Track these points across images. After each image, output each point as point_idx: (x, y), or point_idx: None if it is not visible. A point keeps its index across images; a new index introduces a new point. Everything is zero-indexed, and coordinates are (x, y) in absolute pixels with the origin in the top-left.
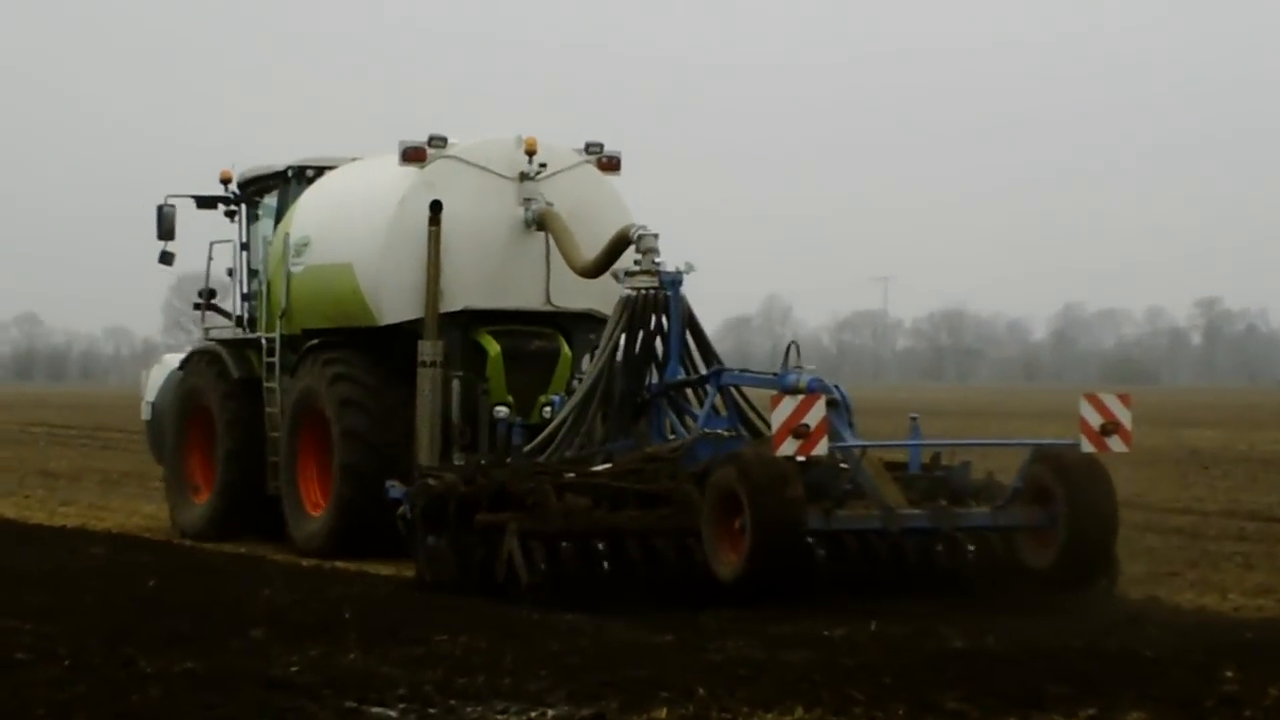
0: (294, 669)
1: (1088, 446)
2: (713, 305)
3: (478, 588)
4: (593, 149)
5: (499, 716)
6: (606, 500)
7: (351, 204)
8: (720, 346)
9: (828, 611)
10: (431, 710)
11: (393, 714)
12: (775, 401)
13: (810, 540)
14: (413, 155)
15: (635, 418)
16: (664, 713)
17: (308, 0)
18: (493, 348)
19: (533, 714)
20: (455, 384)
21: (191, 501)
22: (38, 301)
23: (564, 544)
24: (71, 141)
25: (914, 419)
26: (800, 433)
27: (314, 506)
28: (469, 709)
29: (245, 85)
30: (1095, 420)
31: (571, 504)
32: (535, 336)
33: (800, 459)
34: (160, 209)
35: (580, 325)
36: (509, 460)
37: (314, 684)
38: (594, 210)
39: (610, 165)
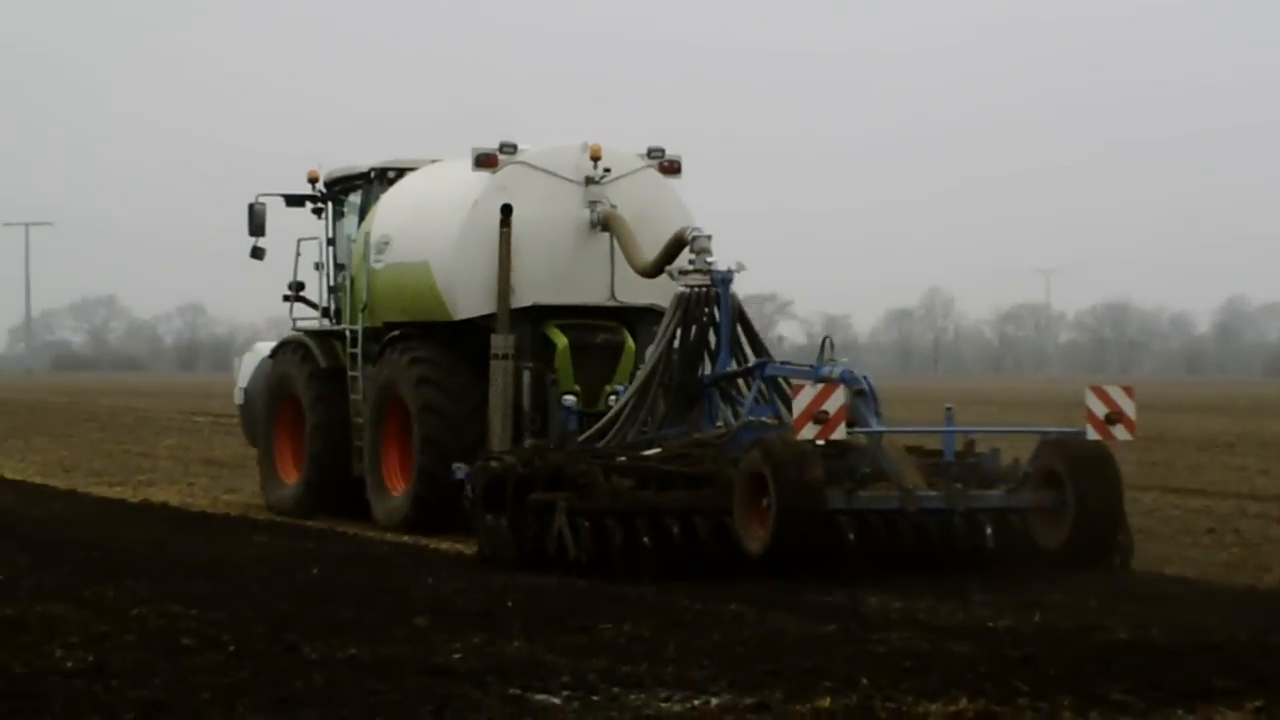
0: (457, 656)
1: (1093, 434)
2: (872, 298)
3: (531, 561)
4: (654, 154)
5: (662, 704)
6: (655, 482)
7: (428, 206)
8: (880, 339)
9: (992, 603)
10: (595, 698)
11: (556, 701)
12: (797, 390)
13: (841, 518)
14: (485, 161)
15: (689, 406)
16: (828, 703)
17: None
18: (561, 340)
19: (696, 702)
20: (526, 375)
21: (282, 482)
22: (202, 291)
23: (608, 521)
24: (232, 141)
25: (948, 409)
26: (820, 419)
27: (395, 487)
28: (632, 697)
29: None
30: (1100, 410)
31: (617, 485)
32: (601, 330)
33: (820, 442)
34: (251, 207)
35: (643, 319)
36: (565, 445)
37: (478, 671)
38: (655, 212)
39: (671, 169)
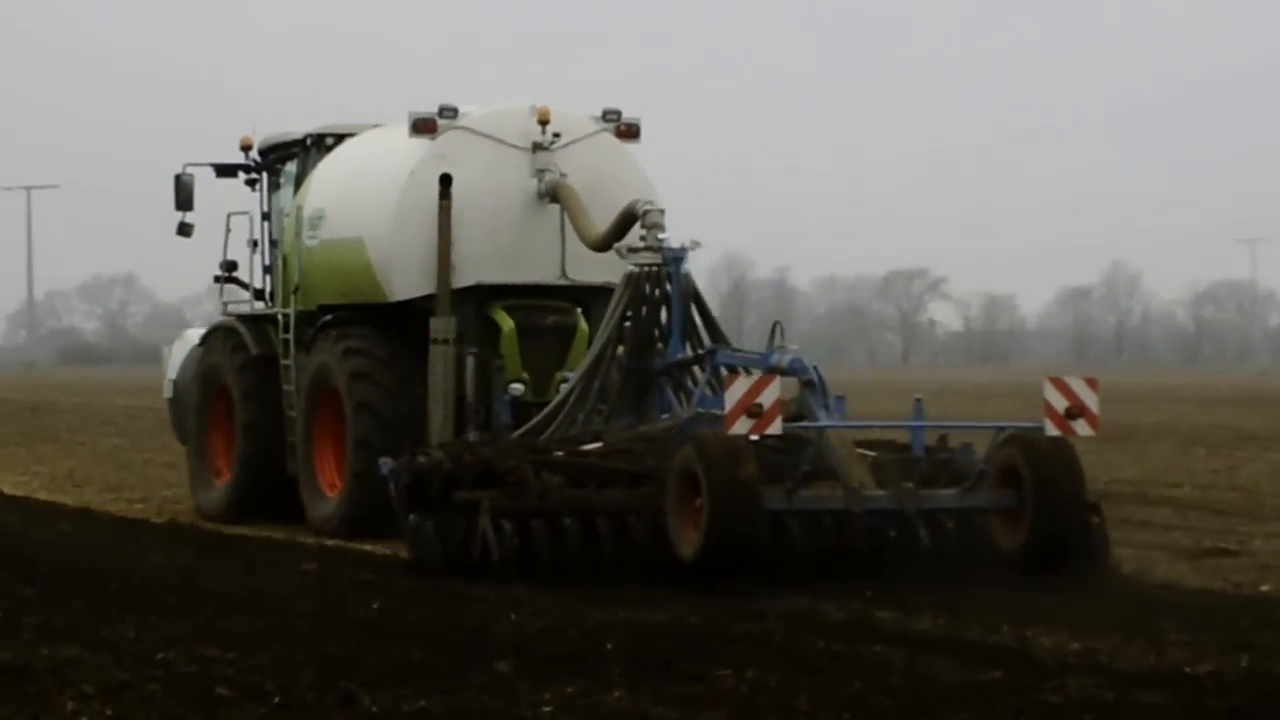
0: (547, 710)
1: (1052, 429)
2: (1043, 275)
3: (457, 566)
4: (610, 116)
5: None
6: (593, 480)
7: (363, 176)
8: (1052, 324)
9: (1190, 643)
10: None
11: None
12: (729, 382)
13: (784, 518)
14: (423, 127)
15: (639, 397)
16: None
17: None
18: (506, 323)
19: None
20: (469, 361)
21: (211, 483)
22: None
23: (535, 522)
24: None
25: (918, 399)
26: (754, 412)
27: (330, 487)
28: None
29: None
30: (1060, 404)
31: (547, 482)
32: (551, 311)
33: (754, 438)
34: (178, 178)
35: (598, 299)
36: (499, 438)
37: None
38: (612, 181)
39: (629, 133)
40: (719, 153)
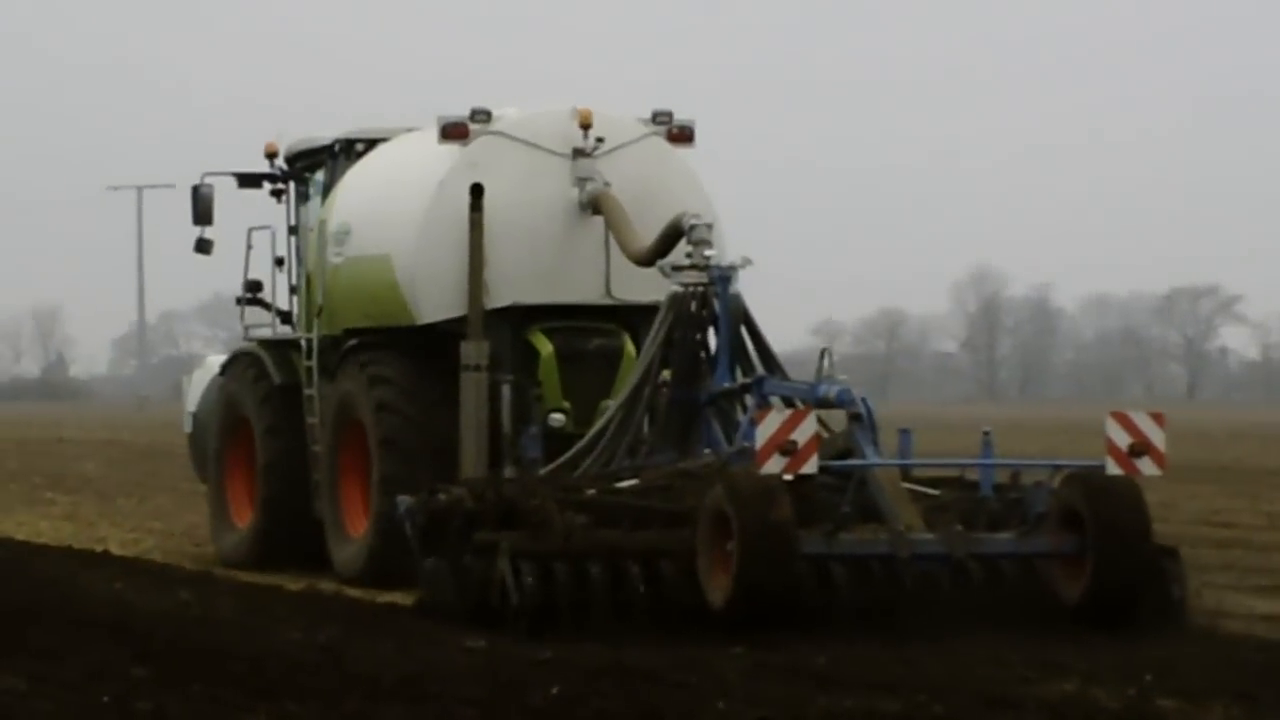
0: None
1: (1114, 468)
2: None
3: (474, 613)
4: (661, 118)
5: None
6: (628, 520)
7: (390, 187)
8: None
9: None
10: None
11: None
12: (760, 416)
13: (831, 565)
14: (453, 132)
15: (684, 429)
16: None
17: None
18: (545, 348)
19: None
20: (505, 389)
21: (233, 525)
22: None
23: (557, 565)
24: None
25: (985, 433)
26: (788, 450)
27: (355, 529)
28: None
29: None
30: (1123, 441)
31: (572, 523)
32: (594, 334)
33: (787, 477)
34: (196, 189)
35: (647, 320)
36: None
37: None
38: (663, 189)
39: (681, 137)
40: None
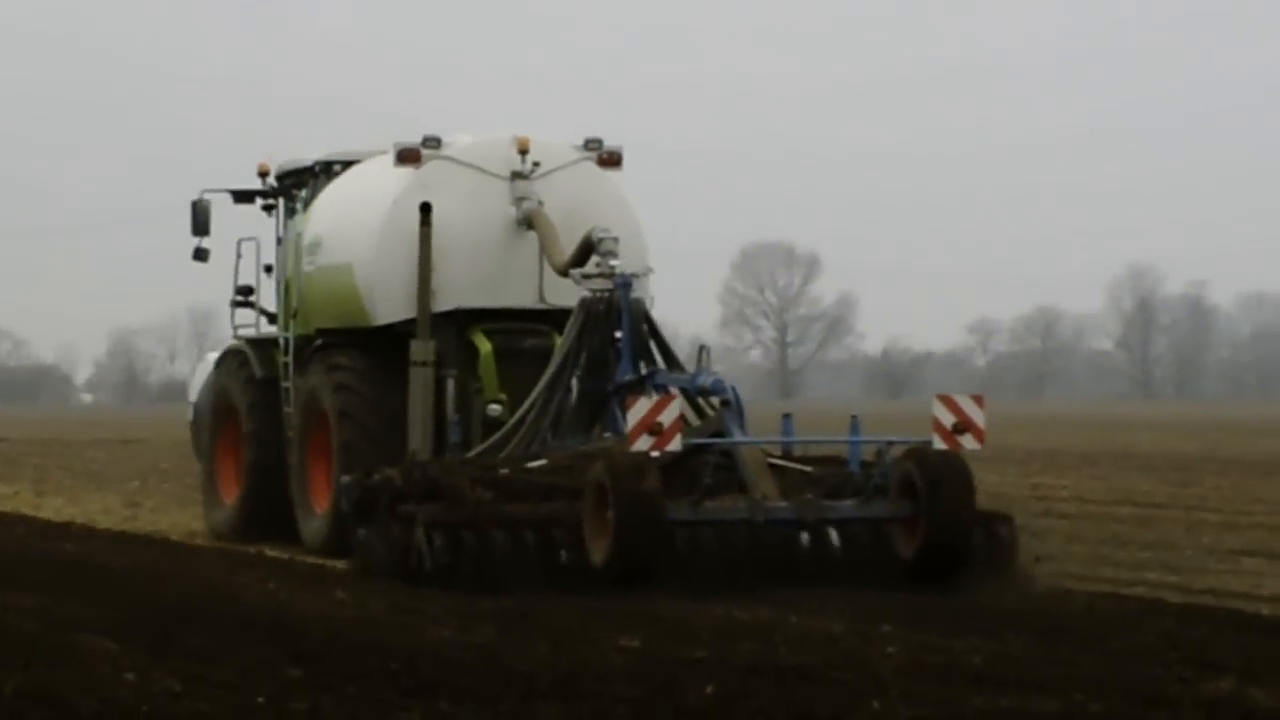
0: None
1: (939, 444)
2: None
3: (398, 574)
4: (591, 145)
5: None
6: (536, 495)
7: (354, 204)
8: None
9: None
10: None
11: None
12: (630, 403)
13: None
14: (407, 156)
15: (594, 417)
16: None
17: None
18: (484, 346)
19: None
20: (450, 383)
21: (222, 502)
22: None
23: (465, 533)
24: None
25: (853, 417)
26: (655, 430)
27: (319, 505)
28: None
29: None
30: (948, 420)
31: (480, 497)
32: (529, 334)
33: (654, 454)
34: (195, 204)
35: None
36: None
37: None
38: (592, 208)
39: (610, 160)
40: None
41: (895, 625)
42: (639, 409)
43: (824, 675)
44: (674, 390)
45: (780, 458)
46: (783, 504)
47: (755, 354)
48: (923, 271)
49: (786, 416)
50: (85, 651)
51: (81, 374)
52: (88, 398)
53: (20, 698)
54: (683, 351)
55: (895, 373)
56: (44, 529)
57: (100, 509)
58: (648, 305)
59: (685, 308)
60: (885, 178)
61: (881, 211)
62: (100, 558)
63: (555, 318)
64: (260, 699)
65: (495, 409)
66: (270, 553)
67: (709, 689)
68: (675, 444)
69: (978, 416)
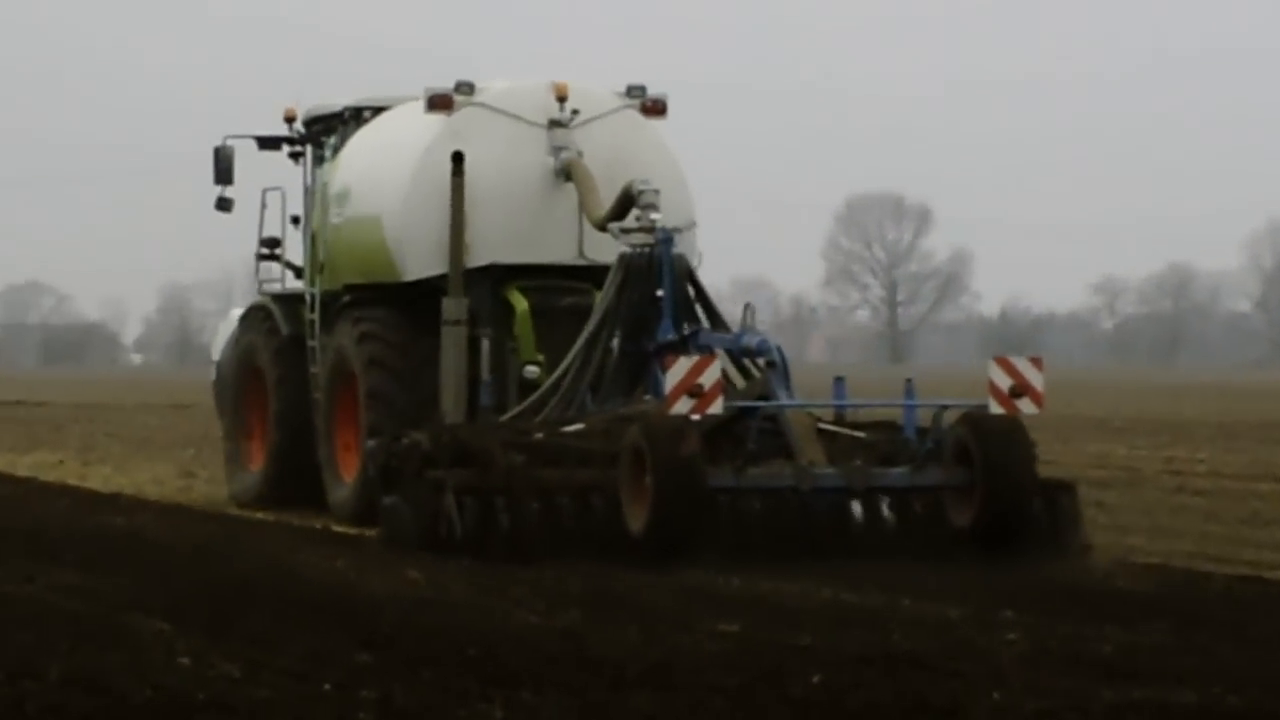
0: None
1: (996, 408)
2: None
3: (428, 544)
4: (635, 92)
5: None
6: (572, 460)
7: (383, 152)
8: None
9: None
10: None
11: None
12: (669, 363)
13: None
14: (439, 103)
15: (635, 378)
16: None
17: None
18: (520, 304)
19: None
20: (484, 343)
21: (246, 468)
22: None
23: (497, 500)
24: None
25: (908, 380)
26: (695, 392)
27: (347, 472)
28: None
29: None
30: (1004, 383)
31: (512, 462)
32: (567, 292)
33: (695, 417)
34: (218, 150)
35: None
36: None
37: None
38: (633, 158)
39: (655, 109)
40: None
41: (1017, 610)
42: (678, 370)
43: (940, 664)
44: (717, 350)
45: (833, 423)
46: (830, 470)
47: (863, 314)
48: (1043, 224)
49: (839, 379)
50: (136, 634)
51: (130, 333)
52: (137, 358)
53: (66, 684)
54: (782, 311)
55: (1014, 336)
56: (91, 501)
57: (151, 479)
58: (694, 262)
59: (786, 264)
60: (999, 112)
61: (997, 154)
62: (151, 532)
63: (596, 274)
64: (326, 686)
65: (533, 370)
66: (338, 528)
67: (815, 678)
68: (717, 407)
69: (1036, 379)
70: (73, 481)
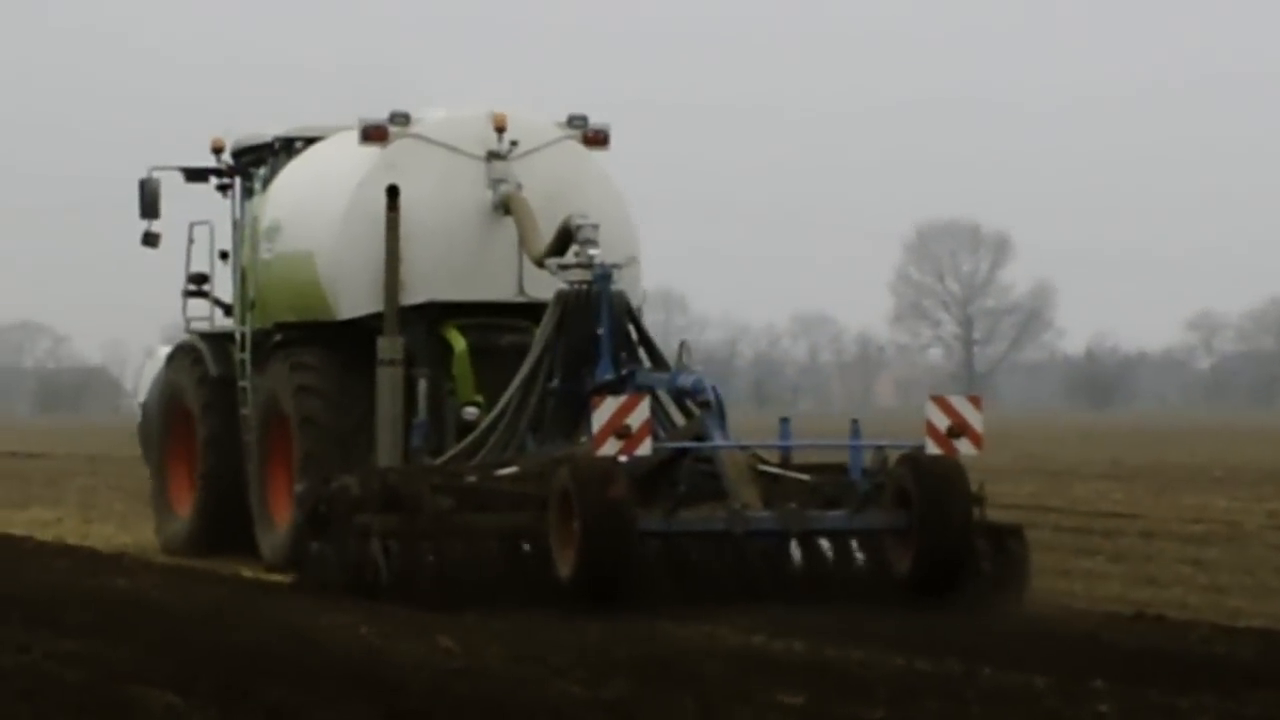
0: None
1: (933, 449)
2: None
3: (352, 587)
4: (576, 122)
5: None
6: (504, 504)
7: (315, 185)
8: None
9: None
10: None
11: None
12: (596, 403)
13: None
14: (373, 134)
15: (574, 419)
16: None
17: None
18: (459, 343)
19: None
20: (421, 384)
21: (175, 514)
22: None
23: (423, 544)
24: None
25: (854, 421)
26: (624, 433)
27: (281, 518)
28: None
29: None
30: (942, 423)
31: (440, 506)
32: (507, 330)
33: (623, 458)
34: (143, 183)
35: None
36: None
37: None
38: (574, 191)
39: (597, 140)
40: None
41: (1107, 679)
42: (605, 410)
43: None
44: (656, 390)
45: (780, 465)
46: (765, 514)
47: (935, 353)
48: (1133, 254)
49: (784, 420)
50: (142, 706)
51: (132, 376)
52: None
53: None
54: (847, 350)
55: (1102, 377)
56: (92, 561)
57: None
58: (637, 299)
59: (851, 298)
60: (1085, 133)
61: (1082, 178)
62: (158, 595)
63: (536, 312)
64: None
65: (472, 411)
66: (273, 577)
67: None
68: (645, 448)
69: (974, 419)
70: (72, 541)
